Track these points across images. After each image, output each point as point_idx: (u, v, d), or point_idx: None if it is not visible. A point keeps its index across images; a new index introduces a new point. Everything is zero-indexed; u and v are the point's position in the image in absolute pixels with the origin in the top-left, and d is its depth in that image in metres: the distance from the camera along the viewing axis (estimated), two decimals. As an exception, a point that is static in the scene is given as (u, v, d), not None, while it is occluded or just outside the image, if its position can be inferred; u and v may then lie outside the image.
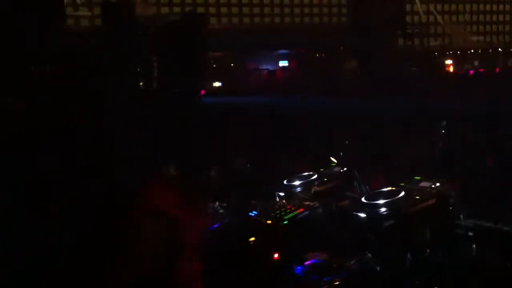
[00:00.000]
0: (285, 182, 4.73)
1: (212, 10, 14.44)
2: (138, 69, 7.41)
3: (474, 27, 18.75)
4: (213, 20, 12.82)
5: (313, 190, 4.59)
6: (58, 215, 2.88)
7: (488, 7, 19.47)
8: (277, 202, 4.33)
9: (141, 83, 7.55)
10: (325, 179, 4.73)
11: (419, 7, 17.21)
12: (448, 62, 14.77)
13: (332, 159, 4.99)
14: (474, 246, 3.77)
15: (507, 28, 20.09)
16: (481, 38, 18.58)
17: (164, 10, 14.31)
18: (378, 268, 3.62)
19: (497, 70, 17.68)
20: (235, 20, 16.23)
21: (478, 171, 5.38)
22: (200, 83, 7.19)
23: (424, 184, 4.16)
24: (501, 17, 19.82)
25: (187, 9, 13.78)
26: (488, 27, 19.42)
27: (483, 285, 3.49)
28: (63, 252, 2.19)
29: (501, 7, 19.90)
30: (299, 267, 3.61)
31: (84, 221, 2.13)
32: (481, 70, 15.94)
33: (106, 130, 4.04)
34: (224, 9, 15.68)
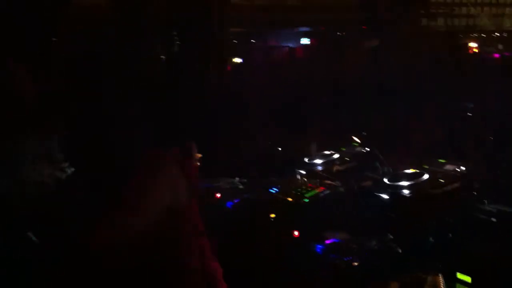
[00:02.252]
0: (306, 160, 4.69)
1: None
2: (159, 44, 7.35)
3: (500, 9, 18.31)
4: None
5: (334, 169, 4.55)
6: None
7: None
8: (298, 179, 4.30)
9: (162, 58, 7.50)
10: (347, 159, 4.69)
11: None
12: (473, 44, 14.40)
13: (355, 138, 4.93)
14: (496, 231, 3.71)
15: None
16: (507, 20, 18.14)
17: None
18: (399, 250, 3.58)
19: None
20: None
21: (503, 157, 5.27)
22: (223, 58, 7.10)
23: (448, 167, 4.10)
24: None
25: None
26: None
27: (504, 270, 3.44)
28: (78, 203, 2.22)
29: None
30: (319, 246, 3.58)
31: (100, 181, 2.15)
32: (507, 54, 15.58)
33: (127, 102, 4.02)
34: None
